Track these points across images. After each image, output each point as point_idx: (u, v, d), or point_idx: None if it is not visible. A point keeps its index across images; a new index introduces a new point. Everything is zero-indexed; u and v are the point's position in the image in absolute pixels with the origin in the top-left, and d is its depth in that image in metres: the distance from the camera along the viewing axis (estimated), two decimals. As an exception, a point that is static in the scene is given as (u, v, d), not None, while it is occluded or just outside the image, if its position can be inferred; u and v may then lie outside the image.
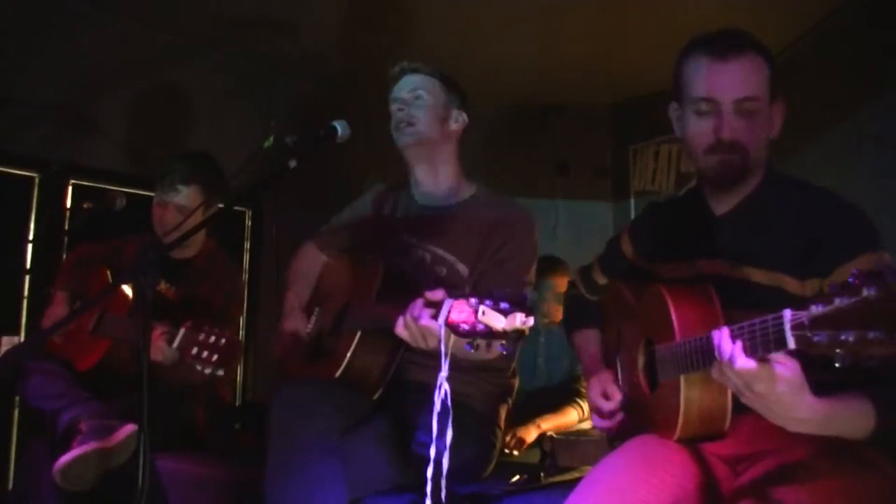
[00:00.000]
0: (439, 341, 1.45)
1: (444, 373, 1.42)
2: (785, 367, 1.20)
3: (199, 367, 2.00)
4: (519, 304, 1.34)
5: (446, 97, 2.21)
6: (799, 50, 3.64)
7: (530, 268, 2.11)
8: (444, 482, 1.39)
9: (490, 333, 1.35)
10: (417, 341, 1.62)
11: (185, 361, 2.05)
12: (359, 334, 1.97)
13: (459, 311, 1.40)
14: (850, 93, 3.36)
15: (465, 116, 2.24)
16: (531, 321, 1.35)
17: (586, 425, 3.43)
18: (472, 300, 1.36)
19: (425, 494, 1.40)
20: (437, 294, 1.51)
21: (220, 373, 2.01)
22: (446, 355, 1.44)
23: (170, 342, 2.09)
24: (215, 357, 1.99)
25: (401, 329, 1.63)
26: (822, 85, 3.43)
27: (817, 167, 3.40)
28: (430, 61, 2.24)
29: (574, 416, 3.40)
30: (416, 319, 1.56)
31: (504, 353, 1.37)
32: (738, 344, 1.21)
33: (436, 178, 2.21)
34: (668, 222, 1.79)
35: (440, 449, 1.40)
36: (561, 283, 3.60)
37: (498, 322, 1.33)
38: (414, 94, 2.18)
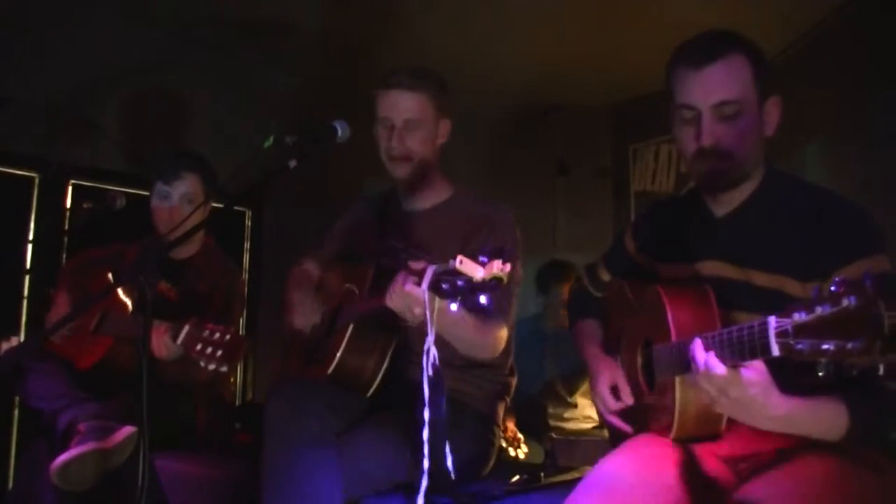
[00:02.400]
0: (424, 308, 1.52)
1: (430, 337, 1.50)
2: (752, 371, 1.23)
3: (202, 363, 1.99)
4: (496, 253, 1.39)
5: (436, 112, 2.12)
6: (802, 48, 3.63)
7: (516, 263, 2.11)
8: (447, 447, 1.44)
9: (470, 285, 1.39)
10: (404, 311, 1.69)
11: (188, 357, 2.05)
12: (350, 330, 1.97)
13: (440, 272, 1.46)
14: (854, 90, 3.35)
15: (448, 123, 2.17)
16: (508, 268, 1.39)
17: (586, 425, 3.43)
18: (451, 260, 1.41)
19: (422, 456, 1.45)
20: (420, 263, 1.56)
21: (224, 369, 2.00)
22: (432, 322, 1.52)
23: (174, 338, 2.10)
24: (219, 353, 1.98)
25: (388, 299, 1.71)
26: (826, 81, 3.43)
27: (820, 165, 3.40)
28: (423, 64, 2.13)
29: None
30: (400, 286, 1.63)
31: (487, 305, 1.41)
32: (711, 353, 1.26)
33: (418, 185, 2.19)
34: (669, 222, 1.79)
35: (434, 415, 1.44)
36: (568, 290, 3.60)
37: (476, 272, 1.38)
38: (408, 122, 2.08)
